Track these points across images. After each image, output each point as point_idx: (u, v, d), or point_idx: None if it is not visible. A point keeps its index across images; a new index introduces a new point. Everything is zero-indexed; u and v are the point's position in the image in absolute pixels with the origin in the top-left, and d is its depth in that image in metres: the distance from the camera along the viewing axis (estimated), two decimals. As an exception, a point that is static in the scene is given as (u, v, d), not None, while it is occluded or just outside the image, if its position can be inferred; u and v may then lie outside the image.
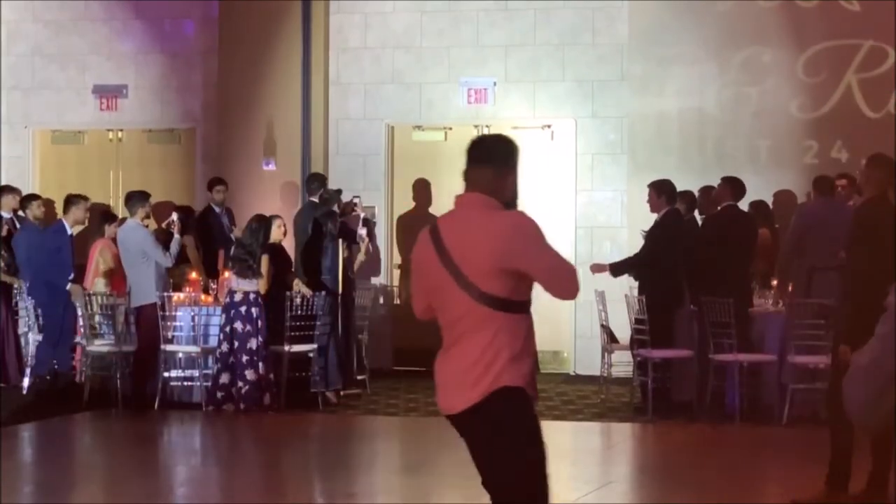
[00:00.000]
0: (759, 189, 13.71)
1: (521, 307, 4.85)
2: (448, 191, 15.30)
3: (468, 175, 4.99)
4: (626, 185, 14.68)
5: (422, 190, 15.45)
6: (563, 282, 4.84)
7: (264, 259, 12.28)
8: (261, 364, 12.24)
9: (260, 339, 12.22)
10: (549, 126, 15.33)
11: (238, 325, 12.23)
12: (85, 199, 13.71)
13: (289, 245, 13.52)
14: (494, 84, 15.43)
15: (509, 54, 15.41)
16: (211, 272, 13.61)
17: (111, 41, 16.29)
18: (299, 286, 12.61)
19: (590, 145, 15.14)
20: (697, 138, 14.82)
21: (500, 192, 4.93)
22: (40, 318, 13.35)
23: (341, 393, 12.99)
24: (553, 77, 15.31)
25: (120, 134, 16.32)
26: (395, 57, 15.64)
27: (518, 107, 15.39)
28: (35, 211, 14.02)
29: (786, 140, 14.72)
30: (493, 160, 4.97)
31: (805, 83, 14.69)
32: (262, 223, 12.51)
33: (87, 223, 13.77)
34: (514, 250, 4.78)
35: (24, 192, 14.56)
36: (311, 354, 12.65)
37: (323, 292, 12.70)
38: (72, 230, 13.46)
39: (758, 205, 13.37)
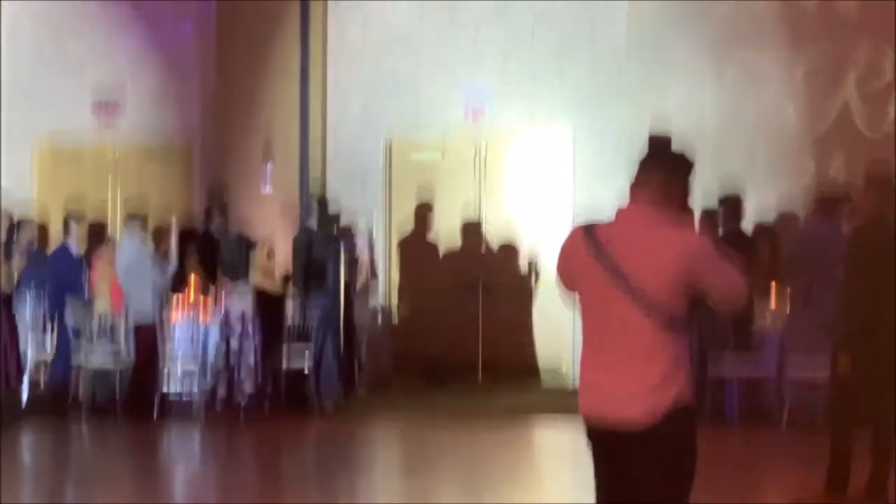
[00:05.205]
0: (758, 195, 13.71)
1: (687, 324, 4.76)
2: (446, 207, 15.42)
3: (637, 183, 4.88)
4: (625, 189, 14.53)
5: (423, 215, 15.44)
6: (736, 297, 4.77)
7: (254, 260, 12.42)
8: (259, 378, 12.31)
9: (257, 353, 12.30)
10: (546, 130, 15.32)
11: (234, 342, 12.31)
12: (82, 217, 13.75)
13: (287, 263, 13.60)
14: (493, 87, 15.41)
15: (508, 58, 15.39)
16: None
17: (109, 46, 16.24)
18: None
19: (588, 150, 15.11)
20: (695, 143, 14.73)
21: (668, 201, 4.83)
22: (40, 336, 13.38)
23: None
24: (551, 81, 15.29)
25: (117, 152, 16.27)
26: (394, 61, 15.62)
27: (516, 110, 15.37)
28: (28, 234, 13.99)
29: (784, 145, 14.71)
30: (666, 170, 4.87)
31: (803, 88, 14.69)
32: (241, 240, 12.68)
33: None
34: (700, 270, 4.69)
35: (20, 217, 14.47)
36: (306, 370, 12.70)
37: (319, 309, 12.75)
38: (77, 247, 13.50)
39: (761, 227, 13.39)
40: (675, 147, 4.97)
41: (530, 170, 15.35)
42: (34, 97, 16.39)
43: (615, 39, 15.12)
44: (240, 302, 12.39)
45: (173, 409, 12.75)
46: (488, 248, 15.37)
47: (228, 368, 12.35)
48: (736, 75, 14.84)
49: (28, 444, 11.82)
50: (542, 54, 15.33)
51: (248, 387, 12.30)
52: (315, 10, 15.61)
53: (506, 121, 15.36)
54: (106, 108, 16.13)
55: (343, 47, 15.76)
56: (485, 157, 15.45)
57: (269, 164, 15.28)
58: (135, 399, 12.58)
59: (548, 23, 15.29)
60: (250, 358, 12.31)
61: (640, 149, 5.03)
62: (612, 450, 4.81)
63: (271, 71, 15.32)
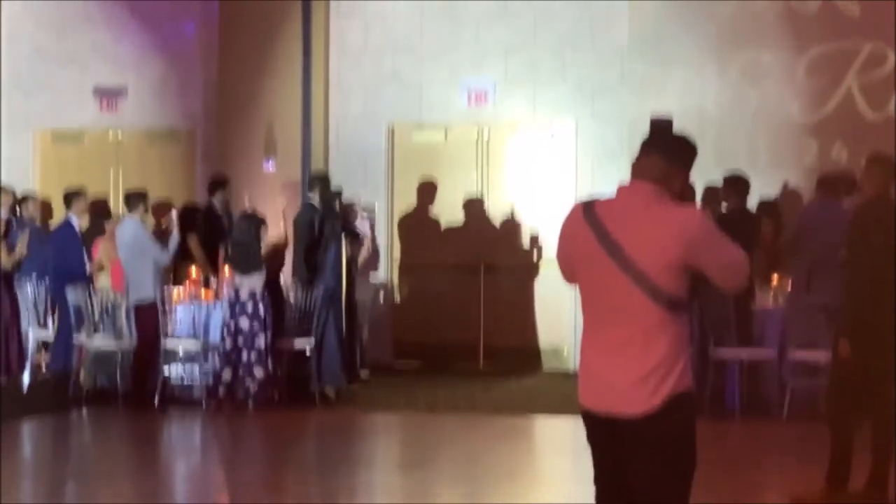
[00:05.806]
0: (759, 191, 13.72)
1: (688, 306, 4.72)
2: (448, 190, 15.46)
3: (638, 163, 4.83)
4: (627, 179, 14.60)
5: (427, 192, 15.46)
6: (737, 276, 4.73)
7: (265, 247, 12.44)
8: (269, 361, 12.30)
9: (268, 336, 12.27)
10: (549, 127, 15.34)
11: (244, 323, 12.26)
12: (83, 193, 13.74)
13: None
14: (494, 85, 15.44)
15: (509, 55, 15.43)
16: (212, 268, 13.65)
17: (111, 42, 16.28)
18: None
19: (590, 147, 15.16)
20: (697, 140, 14.71)
21: (669, 180, 4.78)
22: (41, 315, 13.39)
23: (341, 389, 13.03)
24: (553, 78, 15.32)
25: (120, 134, 16.31)
26: (396, 58, 15.65)
27: (518, 108, 15.40)
28: (31, 210, 14.01)
29: (786, 142, 14.74)
30: (667, 152, 4.81)
31: (805, 85, 14.70)
32: (252, 219, 12.64)
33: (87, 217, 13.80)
34: (700, 248, 4.64)
35: (23, 193, 14.54)
36: (308, 352, 12.69)
37: (321, 287, 12.75)
38: (79, 224, 13.49)
39: (765, 205, 13.38)
40: (676, 130, 4.99)
41: (533, 156, 15.33)
42: (35, 86, 16.39)
43: (616, 39, 15.09)
44: (250, 280, 12.35)
45: (175, 396, 12.73)
46: (490, 227, 15.37)
47: (236, 350, 12.31)
48: (738, 72, 14.82)
49: (29, 433, 11.78)
50: (543, 53, 15.31)
51: (258, 372, 12.26)
52: (317, 9, 15.60)
53: (508, 111, 15.36)
54: (108, 100, 16.19)
55: (345, 47, 15.74)
56: (487, 141, 15.45)
57: (270, 161, 15.27)
58: (136, 384, 12.51)
59: (549, 22, 15.26)
60: (260, 340, 12.28)
61: (641, 139, 5.02)
62: (612, 440, 4.78)
63: (274, 69, 15.32)
